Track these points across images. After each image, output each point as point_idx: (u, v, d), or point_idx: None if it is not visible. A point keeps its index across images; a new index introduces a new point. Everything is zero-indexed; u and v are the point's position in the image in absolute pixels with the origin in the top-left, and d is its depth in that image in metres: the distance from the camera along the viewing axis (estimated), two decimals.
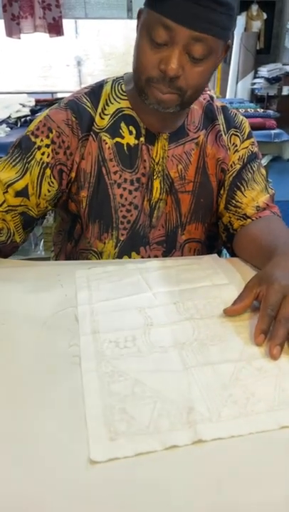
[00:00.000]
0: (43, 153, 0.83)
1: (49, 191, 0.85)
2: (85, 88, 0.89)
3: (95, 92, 0.87)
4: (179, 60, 0.70)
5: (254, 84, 4.95)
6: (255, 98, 4.94)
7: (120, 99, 0.86)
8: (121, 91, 0.86)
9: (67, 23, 4.73)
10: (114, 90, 0.86)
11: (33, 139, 0.83)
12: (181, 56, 0.71)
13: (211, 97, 0.93)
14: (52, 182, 0.85)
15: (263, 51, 5.05)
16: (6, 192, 0.82)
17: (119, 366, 0.55)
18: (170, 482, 0.40)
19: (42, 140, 0.82)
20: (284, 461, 0.43)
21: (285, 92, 4.77)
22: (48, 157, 0.83)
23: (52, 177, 0.84)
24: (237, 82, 4.90)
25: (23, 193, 0.83)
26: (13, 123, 2.29)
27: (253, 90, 4.98)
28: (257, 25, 4.94)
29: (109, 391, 0.51)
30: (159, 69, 0.72)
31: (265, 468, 0.42)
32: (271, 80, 4.76)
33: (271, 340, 0.57)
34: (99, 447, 0.43)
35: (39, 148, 0.83)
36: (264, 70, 4.84)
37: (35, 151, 0.82)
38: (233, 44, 4.82)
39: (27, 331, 0.62)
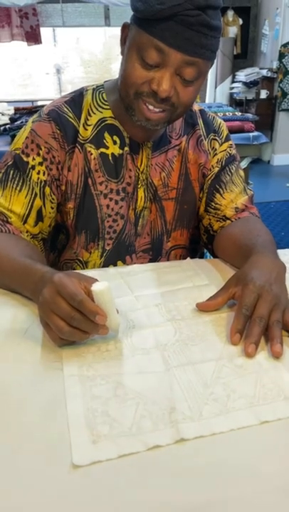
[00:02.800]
0: (38, 172, 0.83)
1: (52, 208, 0.86)
2: (64, 97, 0.88)
3: (75, 100, 0.86)
4: (170, 82, 0.71)
5: (232, 88, 5.03)
6: (234, 102, 5.02)
7: (102, 108, 0.86)
8: (103, 100, 0.86)
9: (45, 32, 4.75)
10: (96, 99, 0.86)
11: (25, 159, 0.82)
12: (173, 78, 0.71)
13: None
14: (53, 199, 0.85)
15: (240, 56, 5.13)
16: (26, 222, 0.83)
17: (101, 370, 0.55)
18: (154, 482, 0.41)
19: (34, 159, 0.82)
20: (265, 456, 0.44)
21: (262, 96, 4.86)
22: (43, 175, 0.83)
23: (52, 194, 0.85)
24: (216, 87, 4.97)
25: (38, 218, 0.84)
26: None
27: (231, 94, 5.06)
28: (233, 30, 5.03)
29: (92, 394, 0.51)
30: (150, 87, 0.72)
31: (248, 463, 0.43)
32: (249, 84, 4.84)
33: (246, 339, 0.58)
34: (81, 451, 0.43)
35: (33, 167, 0.82)
36: (242, 75, 4.93)
37: (31, 171, 0.82)
38: None
39: (8, 338, 0.61)
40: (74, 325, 0.55)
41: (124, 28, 0.76)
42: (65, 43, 5.30)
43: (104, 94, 0.86)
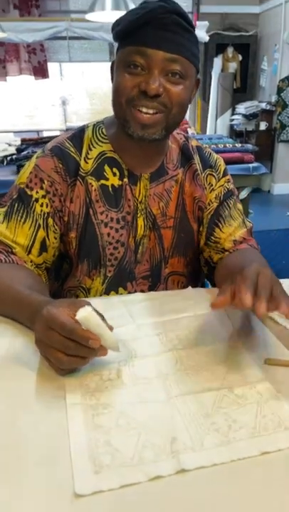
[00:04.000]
0: (41, 205, 0.86)
1: (55, 238, 0.89)
2: (67, 133, 0.92)
3: (76, 136, 0.91)
4: (158, 80, 0.75)
5: (232, 120, 5.17)
6: (235, 133, 5.15)
7: (102, 142, 0.90)
8: (102, 135, 0.90)
9: (52, 66, 4.93)
10: (96, 134, 0.90)
11: (29, 192, 0.86)
12: (160, 77, 0.76)
13: (186, 138, 0.98)
14: (56, 230, 0.88)
15: (240, 90, 5.30)
16: (30, 253, 0.85)
17: (103, 399, 0.56)
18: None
19: (37, 192, 0.85)
20: (266, 486, 0.44)
21: (262, 127, 4.99)
22: (46, 207, 0.86)
23: (55, 225, 0.88)
24: (216, 119, 5.11)
25: (42, 248, 0.87)
26: (0, 161, 2.35)
27: (231, 126, 5.19)
28: (233, 66, 5.22)
29: (94, 424, 0.51)
30: (139, 90, 0.76)
31: (249, 495, 0.43)
32: (249, 117, 4.98)
33: (256, 301, 0.57)
34: (84, 481, 0.44)
35: (37, 200, 0.86)
36: (241, 107, 5.08)
37: (34, 204, 0.85)
38: (211, 83, 5.06)
39: (9, 366, 0.62)
40: (71, 353, 0.56)
41: (112, 66, 0.84)
42: (71, 76, 5.50)
43: (103, 130, 0.91)
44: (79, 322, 0.56)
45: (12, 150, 2.38)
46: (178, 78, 0.77)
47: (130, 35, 0.76)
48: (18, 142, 2.48)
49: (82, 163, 0.88)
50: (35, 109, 5.58)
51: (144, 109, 0.78)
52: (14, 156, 2.31)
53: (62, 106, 5.52)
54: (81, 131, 0.91)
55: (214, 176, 0.96)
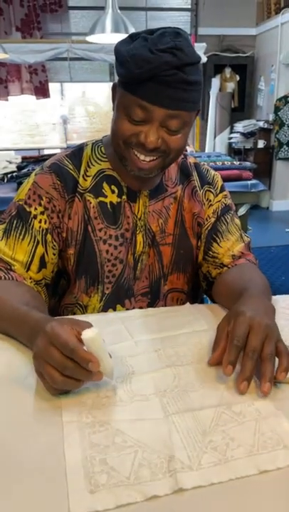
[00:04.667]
0: (40, 221, 0.86)
1: (54, 254, 0.89)
2: (66, 151, 0.94)
3: (75, 154, 0.92)
4: (157, 134, 0.76)
5: (231, 138, 5.24)
6: (233, 151, 5.22)
7: (101, 160, 0.91)
8: (101, 153, 0.92)
9: (53, 86, 5.03)
10: (95, 153, 0.92)
11: (27, 209, 0.86)
12: (159, 130, 0.77)
13: (185, 155, 1.00)
14: (54, 246, 0.88)
15: (238, 109, 5.39)
16: (29, 269, 0.85)
17: (100, 416, 0.55)
18: None
19: (36, 208, 0.86)
20: (265, 506, 0.43)
21: (260, 145, 5.06)
22: (45, 223, 0.87)
23: (53, 241, 0.88)
24: (215, 137, 5.18)
25: (41, 265, 0.87)
26: (0, 179, 2.37)
27: (230, 144, 5.26)
28: (231, 86, 5.32)
29: (90, 442, 0.51)
30: (138, 139, 0.77)
31: None
32: (247, 135, 5.05)
33: (239, 376, 0.59)
34: (79, 500, 0.43)
35: (35, 217, 0.86)
36: (239, 126, 5.15)
37: (33, 220, 0.86)
38: (209, 103, 5.15)
39: (5, 384, 0.62)
40: (67, 374, 0.55)
41: (113, 88, 0.83)
42: (72, 95, 5.59)
43: (102, 148, 0.92)
44: (83, 342, 0.55)
45: (13, 167, 2.40)
46: (176, 130, 0.78)
47: (132, 85, 0.75)
48: (19, 160, 2.51)
49: (80, 180, 0.89)
50: (36, 128, 5.66)
51: (142, 157, 0.80)
52: (15, 174, 2.34)
53: (63, 125, 5.60)
54: (80, 149, 0.93)
55: (212, 192, 0.97)
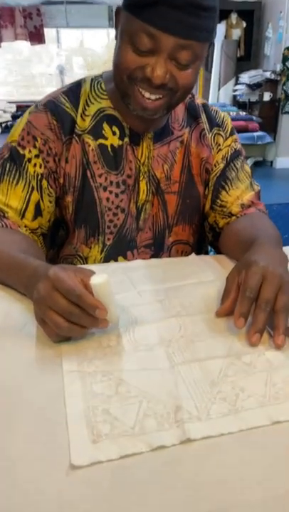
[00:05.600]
0: (34, 165, 0.80)
1: (50, 202, 0.83)
2: (62, 88, 0.85)
3: (73, 91, 0.84)
4: (165, 68, 0.68)
5: (236, 90, 5.01)
6: (237, 104, 5.00)
7: (101, 98, 0.83)
8: (101, 90, 0.84)
9: (49, 33, 4.74)
10: (94, 89, 0.84)
11: (21, 151, 0.79)
12: (167, 63, 0.68)
13: (193, 95, 0.92)
14: (51, 193, 0.82)
15: (244, 58, 5.12)
16: (24, 217, 0.80)
17: (102, 366, 0.52)
18: (157, 485, 0.38)
19: (30, 151, 0.79)
20: (277, 457, 0.41)
21: (266, 98, 4.84)
22: (40, 168, 0.80)
23: (49, 187, 0.82)
24: (219, 89, 4.95)
25: (37, 213, 0.81)
26: None
27: (234, 96, 5.04)
28: (237, 33, 5.02)
29: (92, 392, 0.48)
30: (143, 73, 0.69)
31: (258, 466, 0.40)
32: (252, 86, 4.83)
33: (251, 327, 0.56)
34: (80, 451, 0.40)
35: (29, 160, 0.80)
36: (245, 77, 4.91)
37: (27, 164, 0.80)
38: (214, 51, 4.88)
39: (3, 334, 0.59)
40: (73, 320, 0.53)
41: (117, 12, 0.74)
42: (69, 44, 5.31)
43: (102, 84, 0.84)
44: (92, 287, 0.53)
45: (7, 117, 2.29)
46: (188, 64, 0.69)
47: (139, 8, 0.66)
48: (14, 109, 2.39)
49: (78, 120, 0.82)
50: (32, 79, 5.41)
51: (147, 94, 0.72)
52: (9, 123, 2.23)
53: (59, 75, 5.35)
54: (78, 85, 0.84)
55: (222, 135, 0.90)
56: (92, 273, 0.56)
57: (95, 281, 0.53)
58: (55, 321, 0.52)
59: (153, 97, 0.72)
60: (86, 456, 0.40)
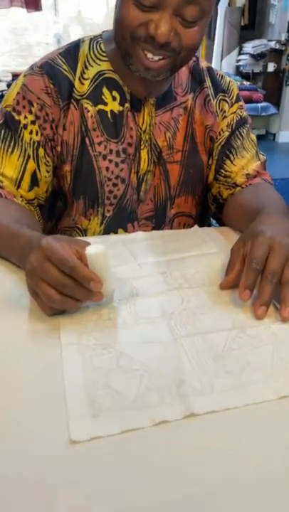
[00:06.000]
0: (30, 132, 0.76)
1: (47, 172, 0.79)
2: (59, 49, 0.80)
3: (70, 52, 0.79)
4: (169, 25, 0.64)
5: (239, 61, 4.84)
6: (241, 75, 4.84)
7: (100, 60, 0.78)
8: (100, 51, 0.79)
9: (45, 1, 4.55)
10: (93, 50, 0.79)
11: (16, 117, 0.76)
12: (172, 20, 0.64)
13: (197, 57, 0.87)
14: (48, 161, 0.78)
15: (248, 27, 4.92)
16: (19, 187, 0.77)
17: (102, 339, 0.50)
18: (160, 460, 0.36)
19: (25, 117, 0.76)
20: (284, 432, 0.39)
21: (270, 69, 4.68)
22: (36, 135, 0.76)
23: (46, 156, 0.78)
24: (222, 59, 4.79)
25: (33, 182, 0.78)
26: None
27: (238, 67, 4.87)
28: (241, 0, 4.82)
29: (92, 365, 0.46)
30: (147, 31, 0.65)
31: (264, 441, 0.38)
32: (256, 57, 4.66)
33: (257, 300, 0.54)
34: (80, 425, 0.39)
35: (25, 126, 0.76)
36: (249, 47, 4.74)
37: (23, 131, 0.76)
38: (216, 19, 4.70)
39: (2, 306, 0.56)
40: (66, 293, 0.50)
41: None
42: (66, 12, 5.10)
43: (102, 45, 0.79)
44: (87, 258, 0.50)
45: (3, 86, 2.21)
46: (194, 20, 0.64)
47: None
48: (10, 78, 2.30)
49: (76, 83, 0.77)
50: (28, 49, 5.23)
51: (150, 55, 0.67)
52: (5, 92, 2.16)
53: (57, 45, 5.17)
54: (76, 45, 0.79)
55: (227, 102, 0.85)
56: (88, 244, 0.53)
57: (90, 251, 0.50)
58: (47, 293, 0.50)
59: (156, 57, 0.68)
60: (86, 430, 0.38)
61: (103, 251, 0.51)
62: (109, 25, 0.70)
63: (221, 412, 0.41)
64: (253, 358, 0.47)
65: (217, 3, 0.75)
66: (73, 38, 5.29)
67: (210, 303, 0.57)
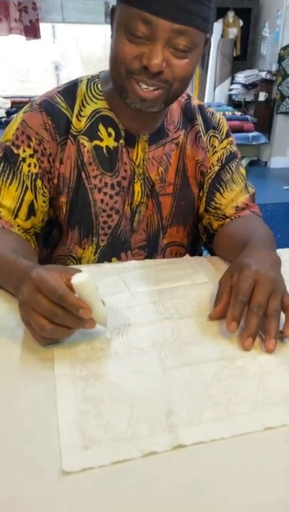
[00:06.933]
0: (29, 165, 0.79)
1: (44, 202, 0.82)
2: (58, 87, 0.84)
3: (69, 91, 0.83)
4: (162, 55, 0.67)
5: (231, 89, 5.01)
6: (233, 103, 4.99)
7: (97, 99, 0.82)
8: (97, 90, 0.83)
9: (44, 28, 4.70)
10: (90, 90, 0.83)
11: (15, 151, 0.79)
12: (164, 50, 0.67)
13: (189, 96, 0.91)
14: (45, 192, 0.82)
15: (240, 58, 5.11)
16: (17, 216, 0.79)
17: (95, 369, 0.52)
18: (149, 491, 0.38)
19: (24, 151, 0.79)
20: (269, 463, 0.41)
21: (261, 98, 4.84)
22: (34, 167, 0.80)
23: (43, 187, 0.81)
24: (215, 88, 4.95)
25: (30, 212, 0.80)
26: None
27: (230, 96, 5.04)
28: (233, 32, 5.01)
29: (84, 396, 0.47)
30: (140, 63, 0.68)
31: (250, 472, 0.40)
32: (248, 86, 4.83)
33: (244, 332, 0.56)
34: (72, 456, 0.40)
35: (24, 160, 0.79)
36: (241, 76, 4.91)
37: (21, 164, 0.79)
38: (210, 50, 4.88)
39: None
40: (57, 322, 0.52)
41: (113, 11, 0.73)
42: (65, 40, 5.26)
43: (99, 85, 0.83)
44: (73, 288, 0.52)
45: (2, 113, 2.27)
46: (184, 51, 0.69)
47: None
48: (8, 105, 2.36)
49: (74, 120, 0.81)
50: (27, 74, 5.36)
51: (144, 86, 0.71)
52: (4, 119, 2.21)
53: (55, 71, 5.31)
54: (74, 85, 0.83)
55: (217, 138, 0.89)
56: (80, 272, 0.55)
57: (75, 280, 0.52)
58: (39, 323, 0.52)
59: (150, 87, 0.71)
60: (78, 462, 0.39)
61: (87, 279, 0.52)
62: (106, 53, 0.74)
63: (207, 443, 0.42)
64: (240, 388, 0.49)
65: (206, 43, 0.80)
66: (71, 64, 5.44)
67: (200, 333, 0.59)
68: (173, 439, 0.42)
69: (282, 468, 0.40)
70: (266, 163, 4.98)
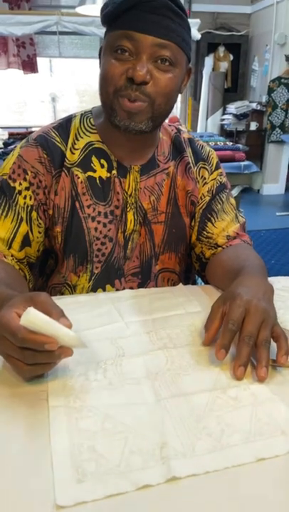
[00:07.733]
0: (24, 197, 0.82)
1: (39, 233, 0.84)
2: (53, 123, 0.89)
3: (63, 126, 0.87)
4: (146, 67, 0.71)
5: (223, 120, 5.16)
6: (225, 133, 5.14)
7: (90, 132, 0.86)
8: (90, 125, 0.87)
9: (41, 61, 4.87)
10: (83, 124, 0.87)
11: (12, 184, 0.82)
12: (148, 64, 0.72)
13: (178, 130, 0.95)
14: (40, 223, 0.84)
15: (231, 90, 5.30)
16: (11, 247, 0.81)
17: (89, 401, 0.52)
18: None
19: (20, 184, 0.82)
20: (262, 496, 0.41)
21: (252, 128, 4.99)
22: (30, 199, 0.82)
23: (39, 218, 0.83)
24: (207, 118, 5.10)
25: (24, 243, 0.82)
26: None
27: (222, 126, 5.19)
28: (224, 65, 5.21)
29: (78, 428, 0.48)
30: (126, 77, 0.72)
31: (243, 504, 0.40)
32: (239, 116, 4.98)
33: (235, 361, 0.57)
34: (65, 490, 0.40)
35: (20, 192, 0.82)
36: (232, 107, 5.07)
37: (17, 196, 0.81)
38: (202, 83, 5.05)
39: None
40: (30, 362, 0.51)
41: (100, 50, 0.79)
42: (61, 72, 5.43)
43: (91, 119, 0.87)
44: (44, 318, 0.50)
45: None
46: (167, 65, 0.73)
47: (118, 18, 0.72)
48: (6, 136, 2.42)
49: (68, 153, 0.84)
50: (24, 105, 5.50)
51: (129, 97, 0.74)
52: (1, 151, 2.26)
53: (51, 103, 5.45)
54: (68, 120, 0.87)
55: (207, 169, 0.93)
56: (46, 297, 0.54)
57: (22, 321, 0.50)
58: (16, 366, 0.52)
59: (134, 100, 0.74)
60: (71, 496, 0.39)
61: (32, 314, 0.49)
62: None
63: (201, 475, 0.42)
64: (233, 419, 0.49)
65: (189, 72, 0.86)
66: (67, 96, 5.59)
67: (193, 363, 0.60)
68: (166, 472, 0.42)
69: (275, 498, 0.40)
70: (259, 190, 5.07)
